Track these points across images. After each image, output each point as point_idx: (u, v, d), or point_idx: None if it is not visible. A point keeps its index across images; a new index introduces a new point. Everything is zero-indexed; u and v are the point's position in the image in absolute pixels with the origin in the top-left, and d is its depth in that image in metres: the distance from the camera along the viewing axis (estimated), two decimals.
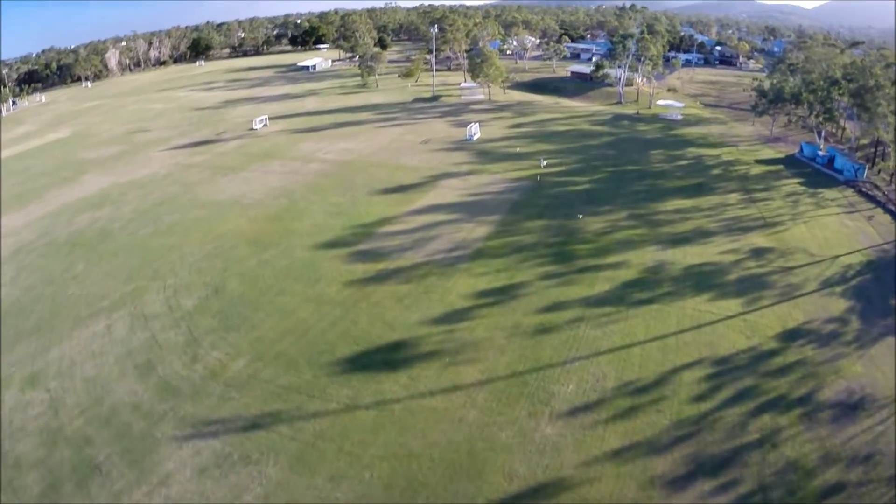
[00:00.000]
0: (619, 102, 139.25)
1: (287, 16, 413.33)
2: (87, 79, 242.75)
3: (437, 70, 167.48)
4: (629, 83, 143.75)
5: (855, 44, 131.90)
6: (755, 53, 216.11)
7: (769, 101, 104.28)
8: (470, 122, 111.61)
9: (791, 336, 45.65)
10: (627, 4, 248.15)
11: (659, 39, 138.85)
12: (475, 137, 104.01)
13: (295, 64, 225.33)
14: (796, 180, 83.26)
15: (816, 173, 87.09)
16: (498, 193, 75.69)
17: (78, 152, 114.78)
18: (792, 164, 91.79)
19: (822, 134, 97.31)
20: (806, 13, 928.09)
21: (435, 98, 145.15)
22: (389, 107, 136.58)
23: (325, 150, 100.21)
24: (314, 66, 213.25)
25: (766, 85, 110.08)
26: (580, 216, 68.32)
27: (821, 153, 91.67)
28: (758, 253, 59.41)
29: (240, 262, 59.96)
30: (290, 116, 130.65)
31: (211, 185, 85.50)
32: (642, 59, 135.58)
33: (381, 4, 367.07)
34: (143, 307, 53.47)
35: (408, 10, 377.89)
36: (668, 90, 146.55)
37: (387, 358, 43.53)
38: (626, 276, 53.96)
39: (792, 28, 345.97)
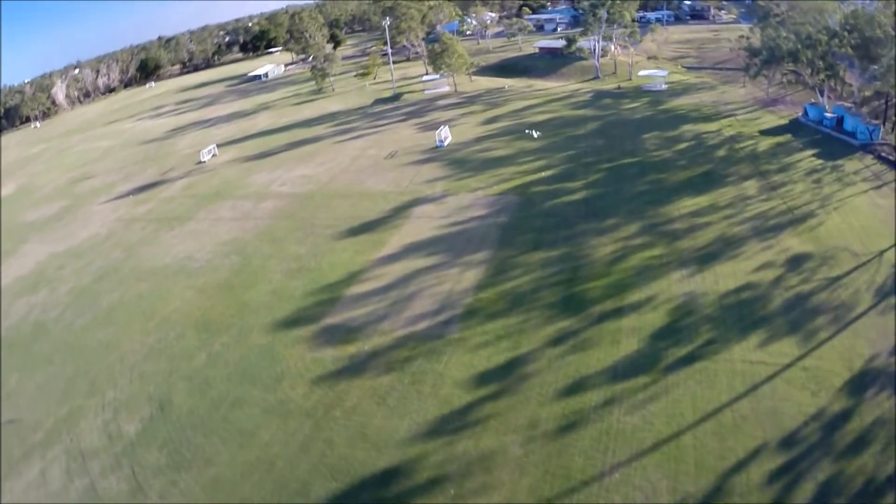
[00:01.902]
0: (597, 77, 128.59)
1: (238, 20, 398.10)
2: (35, 118, 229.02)
3: (394, 62, 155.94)
4: (604, 53, 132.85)
5: None
6: (724, 3, 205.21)
7: (763, 61, 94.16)
8: (438, 123, 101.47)
9: (861, 382, 36.70)
10: None
11: (632, 3, 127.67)
12: (446, 143, 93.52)
13: (246, 74, 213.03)
14: (810, 152, 74.33)
15: (828, 139, 78.24)
16: (482, 218, 65.36)
17: (20, 214, 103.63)
18: (799, 130, 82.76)
19: (825, 93, 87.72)
20: None
21: (396, 97, 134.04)
22: (348, 114, 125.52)
23: (280, 181, 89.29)
24: (266, 75, 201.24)
25: (757, 42, 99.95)
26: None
27: (828, 115, 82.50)
28: (797, 262, 50.22)
29: (187, 358, 49.68)
30: (241, 140, 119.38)
31: (155, 244, 74.75)
32: (616, 25, 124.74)
33: None
34: (80, 439, 43.33)
35: None
36: (649, 58, 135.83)
37: (376, 499, 33.60)
38: (653, 323, 44.23)
39: None
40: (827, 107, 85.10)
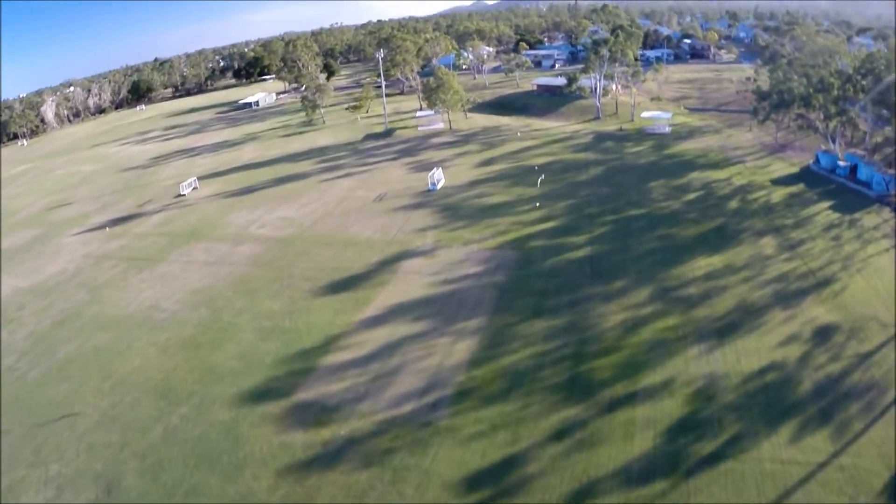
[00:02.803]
0: (597, 118, 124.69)
1: (234, 45, 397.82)
2: (23, 136, 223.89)
3: (388, 96, 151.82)
4: (605, 93, 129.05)
5: (863, 30, 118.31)
6: (723, 42, 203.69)
7: (773, 105, 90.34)
8: (431, 163, 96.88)
9: None
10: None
11: (634, 42, 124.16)
12: (439, 186, 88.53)
13: (237, 101, 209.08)
14: (825, 204, 70.76)
15: (842, 190, 74.73)
16: (477, 277, 59.72)
17: None
18: (811, 179, 79.06)
19: (837, 140, 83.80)
20: None
21: (389, 133, 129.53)
22: (337, 149, 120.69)
23: (259, 222, 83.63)
24: (257, 103, 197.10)
25: (764, 84, 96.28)
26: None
27: (841, 163, 78.69)
28: (824, 335, 45.80)
29: (142, 431, 43.74)
30: (224, 173, 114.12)
31: (121, 288, 68.95)
32: (618, 63, 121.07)
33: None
34: None
35: (355, 28, 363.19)
36: (651, 99, 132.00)
37: None
38: (671, 413, 38.80)
39: (748, 8, 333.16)
40: (839, 154, 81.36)
